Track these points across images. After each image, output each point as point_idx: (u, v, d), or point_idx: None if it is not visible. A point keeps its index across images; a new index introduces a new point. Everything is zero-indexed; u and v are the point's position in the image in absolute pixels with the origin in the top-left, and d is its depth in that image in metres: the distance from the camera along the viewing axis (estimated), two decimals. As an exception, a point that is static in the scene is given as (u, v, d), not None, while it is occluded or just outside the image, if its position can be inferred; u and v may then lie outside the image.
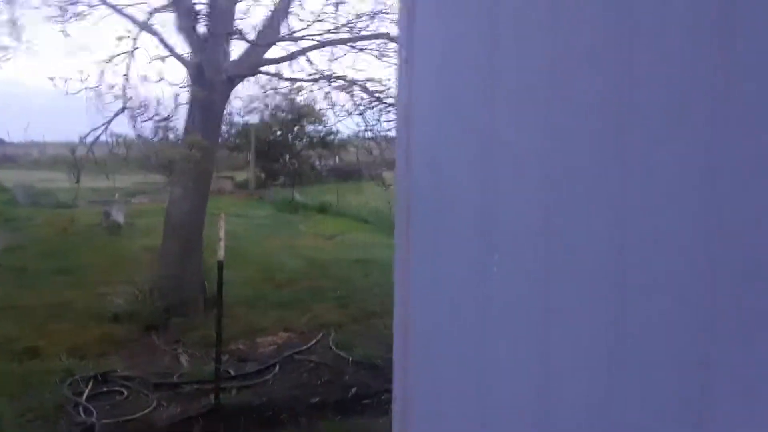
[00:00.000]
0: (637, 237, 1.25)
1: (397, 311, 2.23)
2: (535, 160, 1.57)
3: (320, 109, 12.58)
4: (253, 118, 19.12)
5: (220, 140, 18.93)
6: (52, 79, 4.19)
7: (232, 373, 5.24)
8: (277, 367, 5.39)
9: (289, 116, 18.56)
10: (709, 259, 1.11)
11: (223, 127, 19.27)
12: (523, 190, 1.61)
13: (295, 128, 19.45)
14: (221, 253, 4.62)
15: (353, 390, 4.93)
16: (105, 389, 4.85)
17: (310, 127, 19.50)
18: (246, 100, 15.25)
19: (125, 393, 4.80)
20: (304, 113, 17.09)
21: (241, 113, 18.34)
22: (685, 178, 1.14)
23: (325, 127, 18.21)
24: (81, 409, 4.44)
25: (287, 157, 19.13)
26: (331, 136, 18.44)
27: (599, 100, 1.36)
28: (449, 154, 1.96)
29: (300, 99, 11.74)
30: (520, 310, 1.63)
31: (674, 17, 1.15)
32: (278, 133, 19.62)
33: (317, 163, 20.46)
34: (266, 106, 18.28)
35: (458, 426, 1.91)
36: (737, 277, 1.04)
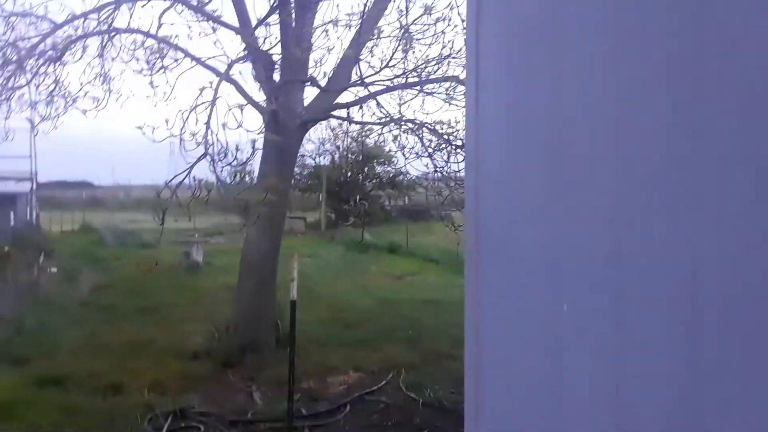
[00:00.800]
0: (709, 270, 1.23)
1: (468, 353, 2.23)
2: (602, 204, 1.56)
3: (389, 151, 12.81)
4: (325, 160, 19.64)
5: (292, 182, 19.52)
6: (140, 127, 4.50)
7: (304, 412, 5.29)
8: (348, 407, 5.40)
9: (359, 157, 18.93)
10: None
11: (296, 169, 19.87)
12: (591, 230, 1.61)
13: (365, 169, 19.79)
14: (294, 293, 4.72)
15: (424, 432, 4.87)
16: (183, 425, 4.99)
17: (379, 168, 19.81)
18: (317, 142, 15.71)
19: (202, 429, 4.92)
20: (374, 154, 17.40)
21: (313, 155, 18.89)
22: (758, 200, 1.11)
23: (394, 168, 18.45)
24: (161, 443, 4.58)
25: (357, 197, 19.43)
26: (401, 177, 18.65)
27: (667, 136, 1.35)
28: (517, 195, 1.97)
29: (369, 141, 12.01)
30: (592, 349, 1.61)
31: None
32: (348, 174, 20.01)
33: (387, 203, 20.67)
34: (337, 148, 18.77)
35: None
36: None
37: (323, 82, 6.62)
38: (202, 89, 4.71)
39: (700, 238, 1.27)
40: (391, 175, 19.70)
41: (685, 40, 1.34)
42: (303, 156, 19.26)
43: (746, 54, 1.12)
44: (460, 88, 6.09)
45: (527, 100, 1.94)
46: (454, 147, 6.46)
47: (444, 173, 6.76)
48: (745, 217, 1.13)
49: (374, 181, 20.39)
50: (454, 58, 6.22)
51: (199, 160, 4.83)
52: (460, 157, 6.39)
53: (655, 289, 1.41)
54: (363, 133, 11.29)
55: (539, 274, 1.85)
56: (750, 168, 1.14)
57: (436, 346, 6.93)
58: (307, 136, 17.62)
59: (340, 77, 6.76)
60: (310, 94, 7.11)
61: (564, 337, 1.75)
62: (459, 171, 6.45)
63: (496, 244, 2.11)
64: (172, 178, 4.73)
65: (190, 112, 4.77)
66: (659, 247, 1.40)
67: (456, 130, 6.50)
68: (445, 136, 6.56)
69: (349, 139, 16.33)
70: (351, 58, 6.31)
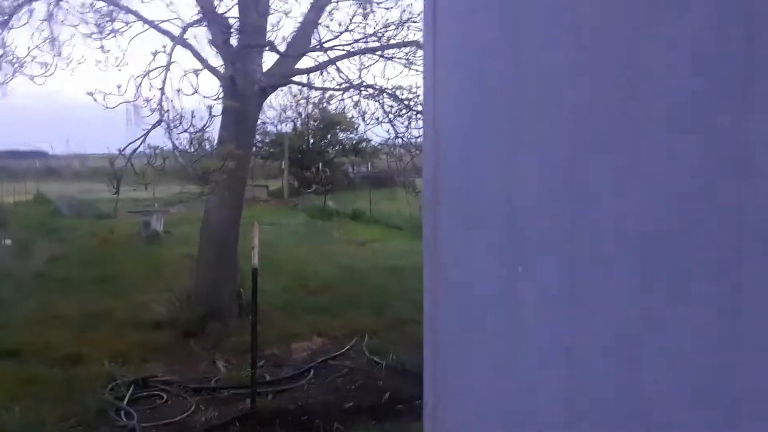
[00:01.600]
0: (664, 233, 1.26)
1: (427, 316, 2.26)
2: (558, 163, 1.59)
3: (351, 117, 12.72)
4: (287, 128, 19.39)
5: (254, 150, 19.26)
6: (91, 93, 4.35)
7: (268, 378, 5.32)
8: (312, 372, 5.45)
9: (321, 125, 18.77)
10: (734, 254, 1.11)
11: (257, 137, 19.58)
12: (549, 192, 1.63)
13: (328, 136, 19.64)
14: (255, 261, 4.70)
15: (387, 395, 4.96)
16: (145, 394, 4.98)
17: (342, 135, 19.67)
18: (279, 109, 15.49)
19: (165, 397, 4.91)
20: (336, 121, 17.25)
21: (275, 123, 18.62)
22: (712, 174, 1.14)
23: (357, 134, 18.34)
24: (122, 413, 4.56)
25: (320, 165, 19.31)
26: (363, 144, 18.57)
27: (621, 98, 1.37)
28: (476, 159, 1.99)
29: (331, 108, 11.89)
30: (547, 309, 1.65)
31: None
32: (311, 141, 19.83)
33: (350, 170, 20.60)
34: (299, 115, 18.54)
35: (487, 426, 1.93)
36: (762, 273, 1.04)
37: (282, 47, 6.50)
38: (155, 53, 4.57)
39: (650, 203, 1.31)
40: (354, 142, 19.61)
41: (636, 15, 1.35)
42: (264, 123, 18.98)
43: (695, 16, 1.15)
44: (420, 53, 6.05)
45: (484, 63, 1.94)
46: (415, 113, 6.45)
47: (405, 139, 6.76)
48: (693, 180, 1.16)
49: (337, 148, 20.26)
50: (414, 22, 6.17)
51: (153, 127, 4.71)
52: (420, 123, 6.39)
53: (607, 252, 1.44)
54: (324, 100, 11.17)
55: (496, 238, 1.88)
56: (698, 137, 1.17)
57: (399, 312, 7.01)
58: (268, 102, 17.34)
59: (299, 42, 6.64)
60: (268, 59, 6.99)
61: (519, 299, 1.79)
62: (419, 137, 6.46)
63: (454, 209, 2.13)
64: (126, 146, 4.61)
65: (143, 77, 4.64)
66: (611, 210, 1.44)
67: (416, 96, 6.49)
68: (406, 102, 6.54)
69: (311, 106, 16.13)
70: (310, 22, 6.20)
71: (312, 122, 19.16)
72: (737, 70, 1.09)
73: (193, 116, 4.67)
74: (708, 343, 1.17)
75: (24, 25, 6.65)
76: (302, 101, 15.40)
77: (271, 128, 19.77)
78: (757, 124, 1.06)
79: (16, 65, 6.61)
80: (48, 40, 6.57)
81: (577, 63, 1.50)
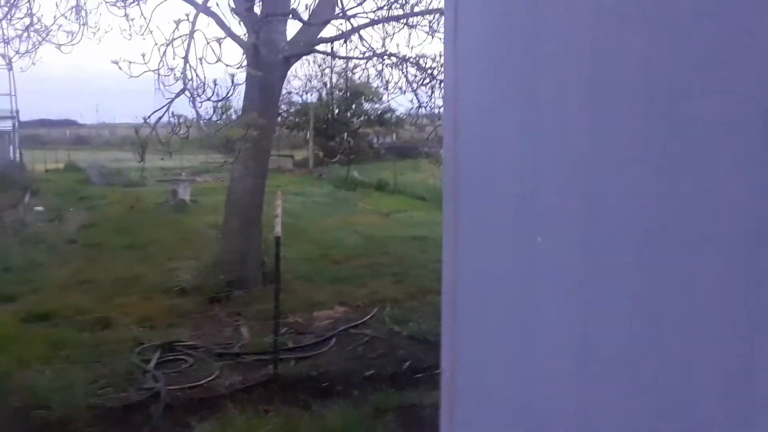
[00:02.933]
0: (678, 205, 1.24)
1: (445, 286, 2.27)
2: (579, 130, 1.56)
3: (377, 87, 12.63)
4: (312, 97, 19.35)
5: (279, 120, 19.28)
6: (116, 62, 4.37)
7: (291, 345, 5.40)
8: (333, 340, 5.52)
9: (347, 94, 18.67)
10: (751, 222, 1.09)
11: (283, 107, 19.59)
12: (567, 160, 1.61)
13: (353, 106, 19.55)
14: (278, 229, 4.74)
15: (407, 364, 5.01)
16: (171, 357, 5.10)
17: (367, 105, 19.57)
18: (304, 79, 15.44)
19: (190, 361, 5.03)
20: (361, 91, 17.15)
21: (300, 93, 18.59)
22: (731, 143, 1.11)
23: (381, 105, 18.23)
24: (149, 376, 4.68)
25: (345, 135, 19.27)
26: (389, 114, 18.45)
27: (647, 66, 1.34)
28: (495, 130, 1.97)
29: (357, 77, 11.81)
30: (564, 279, 1.64)
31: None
32: (336, 111, 19.78)
33: (375, 140, 20.53)
34: (324, 84, 18.47)
35: (503, 397, 1.94)
36: None
37: (305, 16, 6.45)
38: (178, 22, 4.57)
39: (669, 179, 1.28)
40: (379, 112, 19.52)
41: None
42: (290, 93, 18.97)
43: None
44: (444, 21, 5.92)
45: (505, 25, 1.90)
46: (438, 82, 6.36)
47: (428, 109, 6.69)
48: (718, 155, 1.13)
49: (362, 118, 20.19)
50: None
51: (177, 95, 4.73)
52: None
53: (626, 226, 1.43)
54: (349, 69, 11.08)
55: (516, 207, 1.87)
56: (728, 108, 1.13)
57: (421, 282, 7.03)
58: (293, 72, 17.23)
59: (323, 10, 6.58)
60: (292, 28, 6.94)
61: (537, 270, 1.79)
62: (443, 107, 6.38)
63: (474, 178, 2.13)
64: (151, 115, 4.64)
65: (167, 45, 4.65)
66: (630, 187, 1.41)
67: (440, 64, 6.39)
68: (429, 71, 6.45)
69: (336, 76, 16.05)
70: (334, -11, 6.13)
71: (337, 92, 19.09)
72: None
73: (216, 84, 4.67)
74: (728, 323, 1.15)
75: (50, -8, 6.68)
76: (327, 70, 15.34)
77: (296, 98, 19.77)
78: None
79: (43, 33, 6.68)
80: (74, 9, 6.61)
81: (598, 30, 1.47)
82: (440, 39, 6.30)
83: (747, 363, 1.14)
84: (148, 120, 4.72)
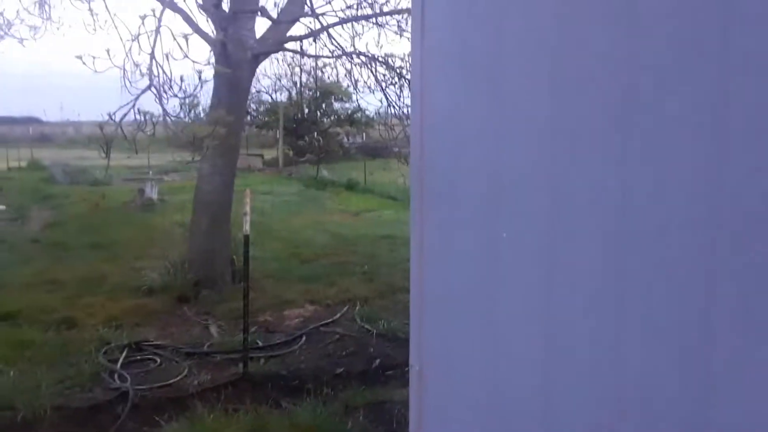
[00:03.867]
0: (638, 198, 1.29)
1: (413, 283, 2.30)
2: (542, 128, 1.61)
3: (347, 87, 12.62)
4: (282, 96, 19.26)
5: (249, 119, 19.09)
6: (80, 57, 4.31)
7: (260, 343, 5.39)
8: (303, 339, 5.53)
9: (317, 93, 18.63)
10: (709, 213, 1.15)
11: (253, 106, 19.45)
12: (531, 158, 1.66)
13: (323, 106, 19.51)
14: (247, 228, 4.73)
15: (377, 361, 5.04)
16: (138, 357, 5.04)
17: (337, 105, 19.56)
18: (274, 78, 15.37)
19: (158, 361, 4.98)
20: (331, 91, 17.12)
21: (270, 91, 18.48)
22: (692, 133, 1.16)
23: (352, 104, 18.24)
24: (116, 376, 4.63)
25: (315, 134, 19.23)
26: (359, 114, 18.46)
27: (608, 66, 1.38)
28: (461, 129, 2.00)
29: (327, 77, 11.80)
30: (528, 274, 1.69)
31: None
32: (306, 110, 19.72)
33: (345, 140, 20.53)
34: (294, 84, 18.39)
35: (470, 389, 1.98)
36: (735, 231, 1.07)
37: (274, 13, 6.43)
38: (144, 17, 4.52)
39: (626, 165, 1.33)
40: (350, 111, 19.51)
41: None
42: (259, 92, 18.84)
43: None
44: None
45: (472, 31, 1.94)
46: (407, 81, 6.40)
47: (397, 108, 6.73)
48: (677, 149, 1.18)
49: (332, 117, 20.17)
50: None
51: (143, 92, 4.68)
52: (413, 92, 6.35)
53: (586, 221, 1.47)
54: (318, 68, 11.08)
55: (481, 206, 1.91)
56: (686, 103, 1.18)
57: (391, 280, 7.07)
58: (263, 71, 17.11)
59: (292, 8, 6.56)
60: (260, 26, 6.92)
61: (501, 267, 1.83)
62: (410, 105, 6.43)
63: (439, 179, 2.16)
64: (115, 111, 4.59)
65: (133, 41, 4.59)
66: (592, 181, 1.46)
67: (408, 64, 6.44)
68: (398, 70, 6.50)
69: (306, 75, 16.00)
70: (303, -13, 6.12)
71: (307, 91, 19.03)
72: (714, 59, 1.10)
73: (182, 81, 4.64)
74: (685, 305, 1.20)
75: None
76: (296, 69, 15.28)
77: (266, 97, 19.64)
78: (735, 92, 1.08)
79: (4, 27, 6.53)
80: (37, 3, 6.48)
81: (561, 30, 1.51)
82: (409, 39, 6.34)
83: (705, 353, 1.20)
84: (113, 117, 4.67)
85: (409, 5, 6.19)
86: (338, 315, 6.14)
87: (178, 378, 4.66)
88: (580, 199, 1.55)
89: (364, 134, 19.72)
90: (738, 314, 1.13)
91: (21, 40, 6.67)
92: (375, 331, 5.65)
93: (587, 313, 1.54)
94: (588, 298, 1.51)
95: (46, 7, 6.49)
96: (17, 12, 6.69)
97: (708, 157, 1.21)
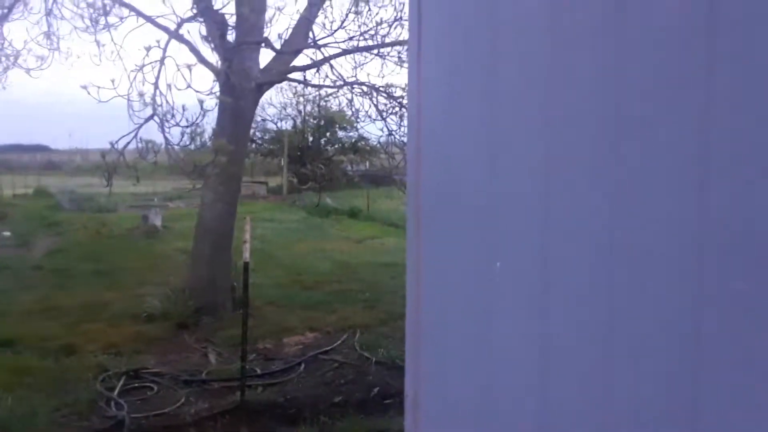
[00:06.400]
0: (629, 224, 1.30)
1: (409, 312, 2.30)
2: (535, 156, 1.63)
3: (350, 116, 12.76)
4: (287, 125, 19.46)
5: (254, 147, 19.26)
6: (85, 87, 4.38)
7: (259, 371, 5.36)
8: (302, 366, 5.50)
9: (321, 122, 18.81)
10: (697, 241, 1.16)
11: (257, 134, 19.63)
12: (525, 186, 1.68)
13: (327, 134, 19.68)
14: (247, 255, 4.75)
15: (376, 390, 5.00)
16: (136, 385, 5.02)
17: (341, 133, 19.72)
18: (279, 107, 15.57)
19: (155, 389, 4.96)
20: (336, 119, 17.28)
21: (275, 120, 18.68)
22: (678, 161, 1.18)
23: (356, 133, 18.39)
24: (113, 403, 4.60)
25: (318, 162, 19.35)
26: (362, 142, 18.60)
27: (597, 92, 1.41)
28: (455, 157, 2.03)
29: (330, 106, 11.94)
30: (522, 302, 1.69)
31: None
32: (310, 139, 19.88)
33: (348, 168, 20.65)
34: (299, 112, 18.60)
35: (465, 415, 1.97)
36: (724, 254, 1.09)
37: (277, 44, 6.54)
38: (149, 48, 4.61)
39: (619, 191, 1.34)
40: (353, 140, 19.66)
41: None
42: (264, 120, 19.05)
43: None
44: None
45: (465, 59, 1.98)
46: (407, 110, 6.47)
47: (397, 137, 6.80)
48: (665, 174, 1.20)
49: (336, 146, 20.32)
50: (406, 20, 6.19)
51: (146, 121, 4.75)
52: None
53: (579, 246, 1.48)
54: (323, 98, 11.21)
55: (476, 234, 1.93)
56: (671, 130, 1.20)
57: (392, 308, 7.05)
58: (268, 100, 17.33)
59: (295, 39, 6.68)
60: (265, 56, 7.03)
61: (496, 294, 1.84)
62: (407, 133, 6.50)
63: (436, 205, 2.18)
64: (119, 140, 4.66)
65: (137, 71, 4.68)
66: (584, 205, 1.48)
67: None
68: (398, 100, 6.58)
69: (310, 104, 16.18)
70: (305, 19, 6.24)
71: (311, 120, 19.22)
72: (702, 62, 1.13)
73: (185, 110, 4.70)
74: (673, 336, 1.21)
75: (20, 17, 6.70)
76: (301, 98, 15.47)
77: (271, 125, 19.83)
78: (720, 121, 1.11)
79: (12, 57, 6.66)
80: (44, 34, 6.61)
81: (553, 58, 1.54)
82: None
83: (693, 373, 1.20)
84: (116, 145, 4.73)
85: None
86: (338, 342, 6.11)
87: (175, 406, 4.63)
88: (571, 225, 1.56)
89: (367, 162, 19.84)
90: (725, 339, 1.13)
91: (28, 70, 6.80)
92: (374, 359, 5.62)
93: (580, 341, 1.54)
94: (580, 328, 1.51)
95: (54, 38, 6.62)
96: (24, 42, 6.81)
97: (694, 184, 1.23)
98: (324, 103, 12.32)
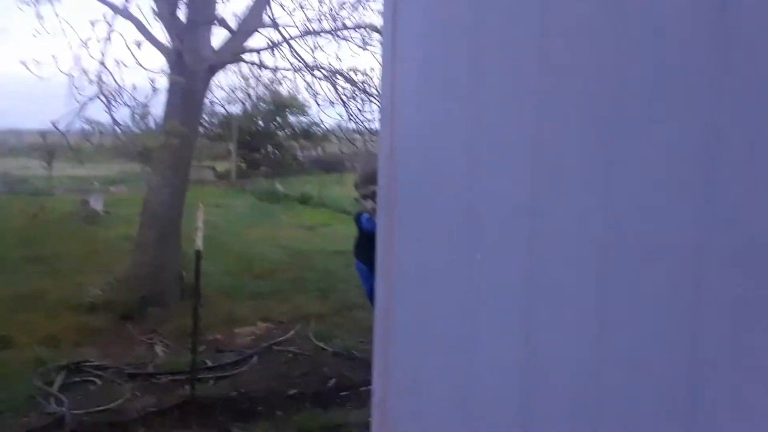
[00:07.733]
0: (620, 221, 1.24)
1: (379, 306, 2.20)
2: (521, 147, 1.54)
3: (303, 100, 12.52)
4: (236, 109, 18.99)
5: (202, 130, 18.75)
6: (24, 62, 4.06)
7: (210, 363, 5.18)
8: (255, 358, 5.34)
9: (272, 106, 18.44)
10: (695, 244, 1.10)
11: (206, 117, 19.10)
12: (509, 177, 1.59)
13: (278, 119, 19.33)
14: (199, 243, 4.54)
15: (332, 381, 4.90)
16: (77, 379, 4.76)
17: (293, 118, 19.41)
18: (228, 90, 15.15)
19: (98, 383, 4.72)
20: (287, 103, 16.98)
21: (224, 104, 18.18)
22: (670, 163, 1.12)
23: (308, 118, 18.12)
24: (52, 399, 4.35)
25: (269, 147, 19.01)
26: (315, 128, 18.36)
27: (587, 86, 1.33)
28: (435, 144, 1.93)
29: (283, 90, 11.67)
30: (504, 297, 1.61)
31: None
32: (261, 123, 19.49)
33: (300, 154, 20.38)
34: (249, 96, 18.16)
35: (439, 416, 1.89)
36: (723, 260, 1.04)
37: (233, 23, 6.28)
38: (94, 23, 4.31)
39: (612, 192, 1.28)
40: (305, 125, 19.38)
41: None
42: (213, 104, 18.50)
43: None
44: (376, 35, 5.94)
45: (445, 47, 1.87)
46: (368, 96, 6.35)
47: (358, 123, 6.66)
48: (663, 171, 1.13)
49: (287, 131, 19.98)
50: (369, 1, 6.05)
51: (90, 99, 4.46)
52: (374, 107, 6.30)
53: (567, 240, 1.41)
54: (277, 81, 10.91)
55: (454, 225, 1.83)
56: (671, 125, 1.14)
57: (346, 297, 6.95)
58: (217, 82, 16.87)
59: (251, 19, 6.43)
60: (218, 36, 6.76)
61: (477, 287, 1.75)
62: (371, 121, 6.38)
63: (411, 194, 2.08)
64: (60, 119, 4.35)
65: (81, 47, 4.37)
66: (572, 199, 1.40)
67: (371, 78, 6.39)
68: (360, 84, 6.44)
69: (262, 87, 15.80)
70: (262, -1, 6.01)
71: (262, 104, 18.82)
72: (711, 57, 1.07)
73: (134, 89, 4.43)
74: (668, 339, 1.17)
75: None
76: (252, 81, 15.09)
77: (220, 109, 19.31)
78: (730, 113, 1.06)
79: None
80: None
81: (540, 51, 1.45)
82: (371, 53, 6.30)
83: (689, 377, 1.14)
84: (58, 126, 4.42)
85: (371, 20, 6.17)
86: (291, 333, 5.97)
87: (120, 401, 4.41)
88: (561, 226, 1.48)
89: (319, 148, 19.60)
90: (724, 350, 1.09)
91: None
92: (330, 350, 5.52)
93: (567, 338, 1.48)
94: (567, 324, 1.45)
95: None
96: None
97: (696, 187, 1.17)
98: (277, 87, 12.03)
